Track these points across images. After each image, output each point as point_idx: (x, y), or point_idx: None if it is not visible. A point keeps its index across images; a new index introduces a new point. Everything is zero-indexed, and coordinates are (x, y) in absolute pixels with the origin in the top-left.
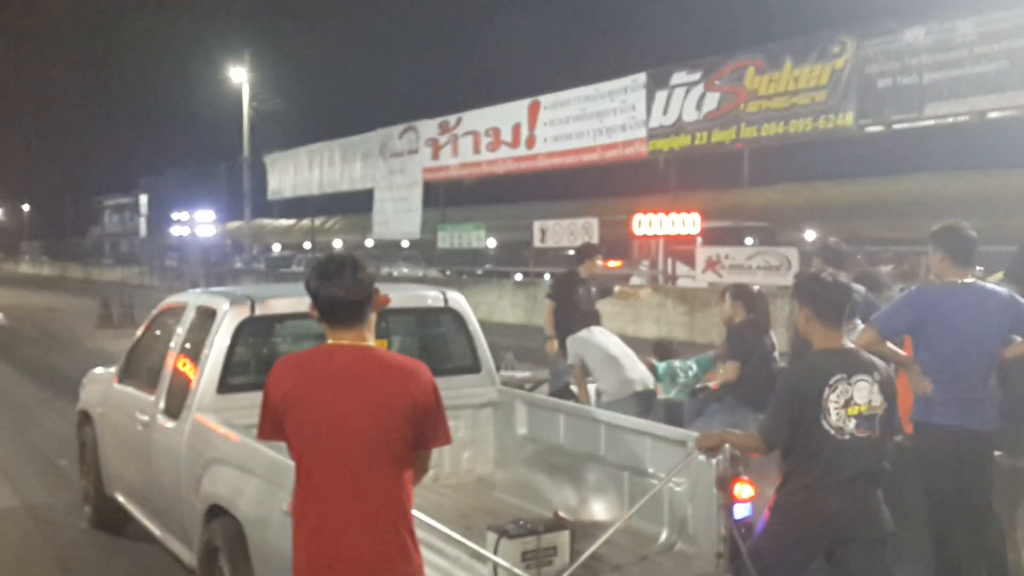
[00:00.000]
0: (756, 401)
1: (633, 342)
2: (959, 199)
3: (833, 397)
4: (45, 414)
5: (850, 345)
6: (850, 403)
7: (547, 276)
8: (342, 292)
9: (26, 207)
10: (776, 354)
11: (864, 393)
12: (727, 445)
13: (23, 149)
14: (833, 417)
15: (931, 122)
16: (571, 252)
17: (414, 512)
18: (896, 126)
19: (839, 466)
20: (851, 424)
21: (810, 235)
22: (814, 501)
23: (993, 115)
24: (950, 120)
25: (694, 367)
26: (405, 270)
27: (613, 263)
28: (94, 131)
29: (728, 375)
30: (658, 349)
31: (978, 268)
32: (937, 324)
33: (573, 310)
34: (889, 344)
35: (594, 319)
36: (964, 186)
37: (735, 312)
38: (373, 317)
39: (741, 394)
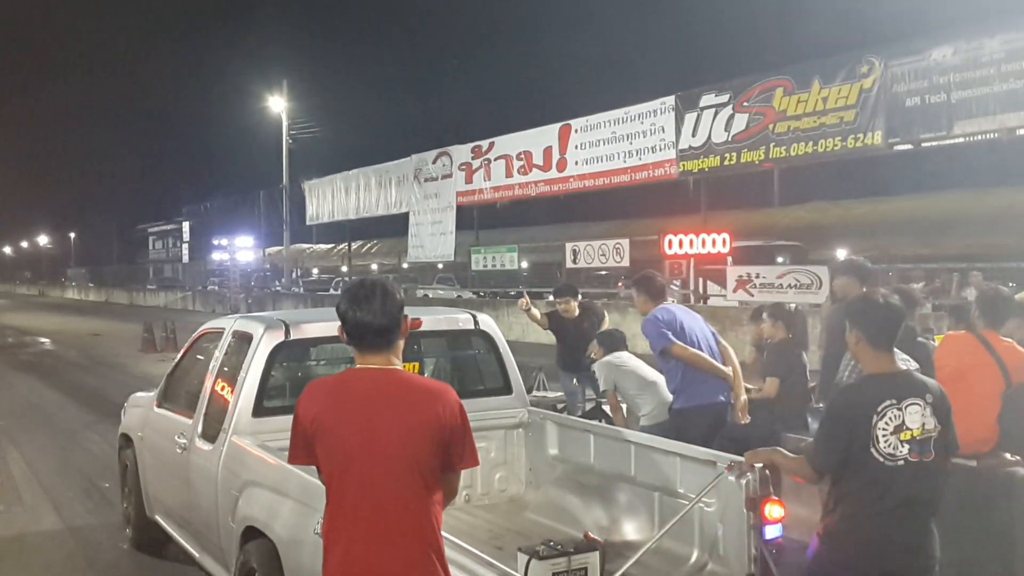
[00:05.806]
0: (788, 419)
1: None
2: (991, 216)
3: (881, 424)
4: (89, 437)
5: (902, 367)
6: (901, 428)
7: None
8: (371, 317)
9: (72, 235)
10: (807, 372)
11: (916, 417)
12: (757, 465)
13: (70, 179)
14: (882, 444)
15: (960, 140)
16: (603, 272)
17: (444, 534)
18: (925, 144)
19: (891, 493)
20: (903, 450)
21: (841, 254)
22: (864, 529)
23: (1023, 132)
24: (979, 138)
25: None
26: (440, 291)
27: None
28: (139, 161)
29: (768, 391)
30: None
31: (1010, 284)
32: None
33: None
34: None
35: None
36: (995, 202)
37: (775, 331)
38: (401, 342)
39: (775, 411)
